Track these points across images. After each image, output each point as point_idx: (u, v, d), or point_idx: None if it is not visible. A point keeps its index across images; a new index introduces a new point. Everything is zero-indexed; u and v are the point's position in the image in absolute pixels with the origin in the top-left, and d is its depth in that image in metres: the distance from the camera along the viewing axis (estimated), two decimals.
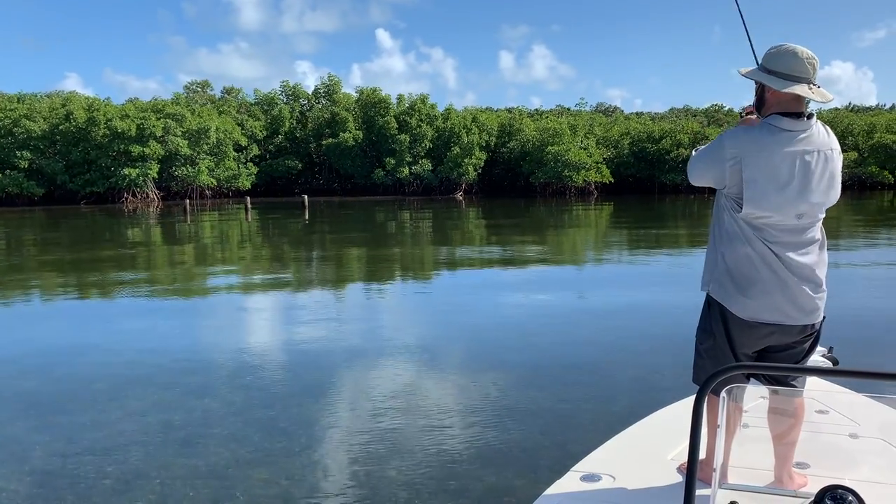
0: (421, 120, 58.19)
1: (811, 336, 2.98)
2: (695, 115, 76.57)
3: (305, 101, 63.90)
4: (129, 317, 11.98)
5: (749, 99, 3.13)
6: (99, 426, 6.59)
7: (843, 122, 58.65)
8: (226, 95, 66.54)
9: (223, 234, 30.37)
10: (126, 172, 48.56)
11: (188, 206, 40.04)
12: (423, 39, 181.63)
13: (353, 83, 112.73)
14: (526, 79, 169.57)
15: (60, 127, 50.18)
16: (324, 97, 63.51)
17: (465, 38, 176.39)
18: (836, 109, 72.71)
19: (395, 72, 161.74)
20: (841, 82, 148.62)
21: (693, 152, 3.12)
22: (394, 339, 9.80)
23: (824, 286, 2.99)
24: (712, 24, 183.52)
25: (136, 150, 48.62)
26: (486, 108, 72.19)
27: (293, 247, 24.06)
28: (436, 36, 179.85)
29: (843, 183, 3.07)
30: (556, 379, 7.70)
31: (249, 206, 39.18)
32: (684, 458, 3.05)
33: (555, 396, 7.09)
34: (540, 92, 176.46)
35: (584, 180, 54.94)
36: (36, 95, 60.72)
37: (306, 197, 41.77)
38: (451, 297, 13.75)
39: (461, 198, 55.49)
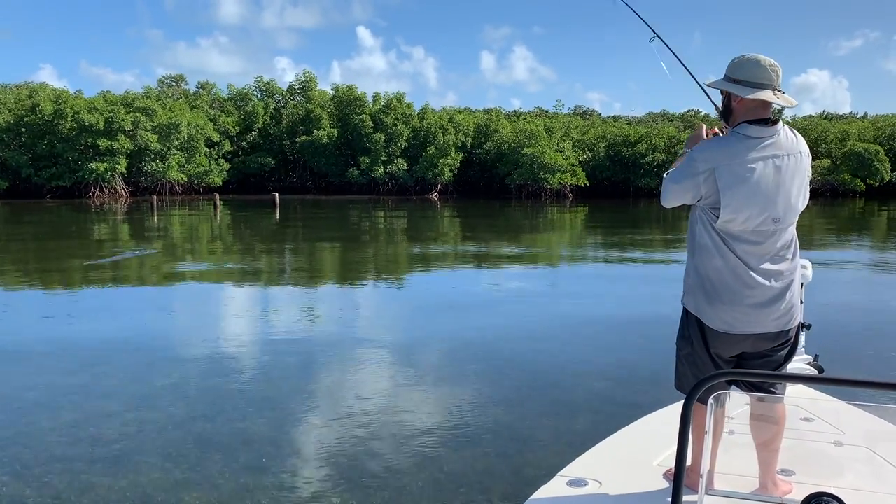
0: (397, 119, 57.68)
1: (787, 343, 3.02)
2: (671, 120, 76.82)
3: (280, 98, 63.08)
4: (73, 319, 11.42)
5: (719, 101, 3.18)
6: (23, 440, 6.13)
7: (817, 130, 59.09)
8: (200, 90, 65.43)
9: (189, 231, 29.70)
10: (93, 167, 47.47)
11: (155, 202, 39.19)
12: (404, 38, 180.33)
13: (332, 81, 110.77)
14: (507, 80, 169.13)
15: (26, 119, 48.92)
16: (299, 94, 62.73)
17: (447, 37, 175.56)
18: (811, 117, 73.37)
19: (375, 70, 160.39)
20: (817, 90, 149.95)
21: (665, 175, 3.14)
22: (349, 351, 9.37)
23: (798, 293, 3.04)
24: (692, 30, 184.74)
25: (104, 143, 47.56)
26: (465, 109, 71.78)
27: (261, 247, 23.48)
28: (417, 35, 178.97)
29: (815, 190, 3.15)
30: (517, 393, 7.33)
31: (219, 203, 38.41)
32: (670, 464, 3.11)
33: (514, 413, 6.72)
34: (520, 94, 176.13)
35: (560, 183, 54.76)
36: (6, 86, 59.32)
37: (277, 195, 41.03)
38: (415, 304, 13.35)
39: (436, 198, 55.10)
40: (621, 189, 57.59)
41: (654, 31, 4.00)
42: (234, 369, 8.29)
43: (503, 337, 9.89)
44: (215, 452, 5.89)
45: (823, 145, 56.91)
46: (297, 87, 62.95)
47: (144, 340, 9.79)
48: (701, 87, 3.60)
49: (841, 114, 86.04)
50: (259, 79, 63.15)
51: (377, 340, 9.79)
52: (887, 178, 58.02)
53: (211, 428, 6.42)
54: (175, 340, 9.82)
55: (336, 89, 60.94)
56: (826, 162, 55.40)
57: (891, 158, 58.74)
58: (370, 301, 13.42)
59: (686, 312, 3.10)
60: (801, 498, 2.33)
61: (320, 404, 7.05)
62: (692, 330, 3.05)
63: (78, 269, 16.89)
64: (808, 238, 24.37)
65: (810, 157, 3.06)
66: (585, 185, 55.88)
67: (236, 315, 11.84)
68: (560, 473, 3.20)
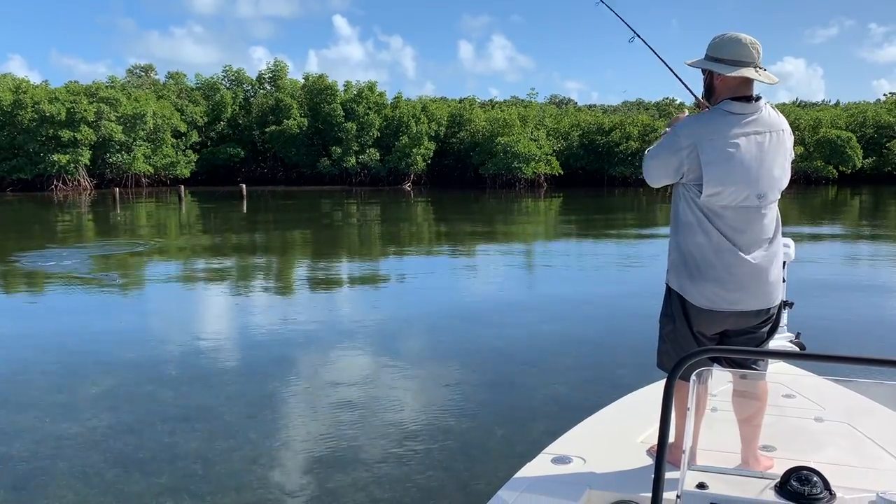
0: (369, 108, 56.88)
1: (769, 321, 3.03)
2: (647, 109, 76.80)
3: (249, 87, 61.96)
4: None
5: (698, 92, 3.22)
6: None
7: (790, 117, 59.06)
8: (170, 80, 64.07)
9: (151, 224, 28.87)
10: (55, 159, 46.16)
11: (118, 195, 38.09)
12: (381, 27, 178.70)
13: (310, 70, 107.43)
14: (485, 69, 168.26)
15: None
16: (268, 83, 61.66)
17: (425, 26, 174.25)
18: (784, 104, 73.69)
19: (352, 60, 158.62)
20: (792, 78, 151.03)
21: (646, 152, 3.13)
22: (294, 356, 8.79)
23: (780, 271, 3.05)
24: (670, 17, 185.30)
25: (66, 135, 46.25)
26: (441, 98, 70.97)
27: (221, 242, 22.72)
28: (395, 24, 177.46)
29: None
30: (469, 397, 6.82)
31: (183, 195, 37.47)
32: (653, 440, 3.14)
33: (465, 419, 6.22)
34: (499, 83, 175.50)
35: (534, 172, 54.38)
36: None
37: (244, 186, 40.14)
38: (373, 304, 12.82)
39: (409, 188, 54.50)
40: (595, 178, 57.37)
41: (634, 31, 4.02)
42: (171, 375, 7.69)
43: (463, 337, 9.37)
44: (136, 471, 5.34)
45: (796, 133, 57.00)
46: (267, 77, 61.88)
47: (74, 344, 9.11)
48: (683, 83, 3.68)
49: (814, 101, 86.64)
50: (227, 68, 62.06)
51: (327, 344, 9.18)
52: (859, 165, 58.42)
53: (135, 443, 5.86)
54: (108, 345, 9.11)
55: (306, 78, 60.01)
56: (799, 149, 55.54)
57: (863, 145, 59.16)
58: (323, 302, 12.68)
59: (669, 290, 3.10)
60: (782, 472, 2.37)
61: (257, 414, 6.48)
62: (675, 307, 3.04)
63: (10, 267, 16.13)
64: (785, 221, 24.11)
65: (793, 137, 3.07)
66: (560, 174, 55.56)
67: (179, 317, 11.17)
68: (544, 451, 3.20)
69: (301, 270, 16.34)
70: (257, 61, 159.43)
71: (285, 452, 5.64)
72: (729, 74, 2.91)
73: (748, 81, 2.94)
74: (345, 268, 16.63)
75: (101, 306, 11.88)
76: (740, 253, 2.93)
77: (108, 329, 9.98)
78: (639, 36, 4.02)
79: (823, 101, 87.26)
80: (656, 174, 3.07)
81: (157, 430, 6.12)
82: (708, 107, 3.06)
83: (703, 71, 3.04)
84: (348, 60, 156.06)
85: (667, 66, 4.02)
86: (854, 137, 58.48)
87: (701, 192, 2.91)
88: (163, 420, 6.35)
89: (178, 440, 5.91)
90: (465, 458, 5.45)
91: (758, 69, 2.93)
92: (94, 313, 11.28)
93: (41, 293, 13.26)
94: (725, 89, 2.96)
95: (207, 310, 11.61)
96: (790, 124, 3.15)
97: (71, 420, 6.36)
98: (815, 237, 21.43)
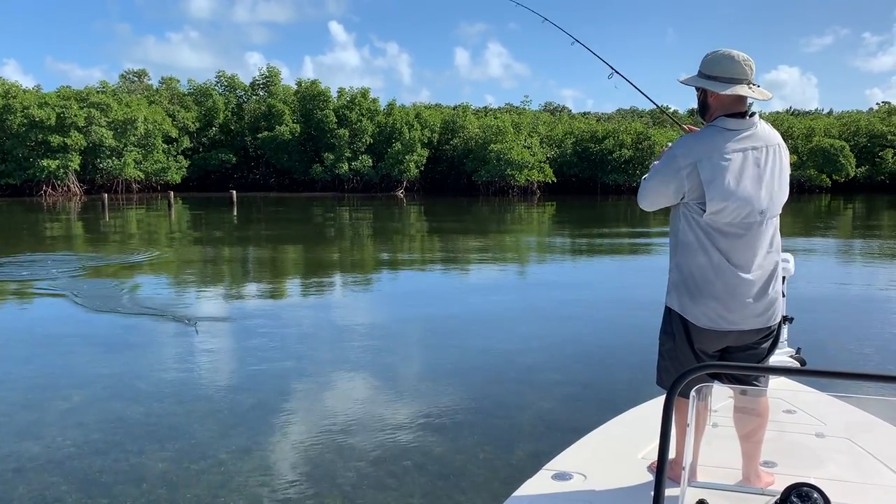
0: (361, 114, 56.73)
1: (769, 337, 3.03)
2: (641, 116, 76.85)
3: (242, 93, 61.74)
4: None
5: (692, 102, 3.25)
6: None
7: (784, 126, 59.33)
8: (162, 86, 63.80)
9: (138, 231, 28.56)
10: (44, 164, 45.84)
11: (106, 201, 37.70)
12: (377, 34, 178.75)
13: (305, 76, 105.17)
14: (481, 76, 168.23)
15: None
16: (261, 89, 61.46)
17: (421, 33, 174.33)
18: (777, 113, 73.83)
19: (348, 66, 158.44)
20: (786, 87, 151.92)
21: (643, 178, 3.13)
22: (275, 372, 8.52)
23: (780, 287, 3.05)
24: (665, 26, 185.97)
25: (55, 140, 45.93)
26: (435, 105, 70.89)
27: (206, 248, 22.41)
28: (391, 31, 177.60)
29: None
30: (452, 419, 6.52)
31: (173, 201, 37.15)
32: (654, 457, 3.01)
33: (447, 443, 5.94)
34: (495, 90, 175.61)
35: (527, 179, 54.31)
36: None
37: (234, 192, 39.84)
38: (356, 316, 12.54)
39: (402, 195, 54.29)
40: (589, 185, 57.34)
41: (612, 67, 4.08)
42: (144, 391, 7.39)
43: (446, 350, 9.11)
44: (99, 496, 5.08)
45: (790, 141, 57.15)
46: (260, 83, 61.71)
47: (44, 359, 8.78)
48: (664, 111, 3.86)
49: (807, 110, 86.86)
50: (221, 73, 61.91)
51: (304, 359, 8.87)
52: (852, 174, 58.52)
53: (100, 464, 5.58)
54: (80, 359, 8.77)
55: (299, 84, 59.86)
56: (792, 158, 55.31)
57: (856, 154, 59.27)
58: (302, 316, 12.22)
59: (669, 310, 3.09)
60: (783, 489, 2.37)
61: (229, 433, 6.20)
62: (675, 326, 3.04)
63: None
64: (782, 233, 23.95)
65: (787, 151, 3.07)
66: (553, 181, 55.52)
67: (153, 330, 10.84)
68: (545, 467, 3.18)
69: (283, 281, 16.05)
70: (253, 67, 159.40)
71: (256, 475, 5.36)
72: (722, 92, 2.93)
73: (742, 98, 2.96)
74: (329, 278, 16.34)
75: (74, 318, 11.54)
76: (740, 272, 2.93)
77: (81, 343, 9.67)
78: (617, 72, 4.10)
79: (817, 109, 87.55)
80: (654, 198, 3.06)
81: (125, 450, 5.84)
82: (695, 129, 3.11)
83: (697, 88, 3.06)
84: (344, 67, 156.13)
85: (649, 98, 4.22)
86: (847, 146, 58.61)
87: (703, 211, 2.91)
88: (131, 439, 6.07)
89: (146, 461, 5.63)
90: (445, 485, 5.16)
91: (751, 86, 2.96)
92: (68, 326, 10.97)
93: (8, 304, 12.94)
94: (719, 106, 2.98)
95: (182, 323, 11.28)
96: (783, 133, 3.04)
97: (35, 439, 6.08)
98: (810, 246, 21.27)
